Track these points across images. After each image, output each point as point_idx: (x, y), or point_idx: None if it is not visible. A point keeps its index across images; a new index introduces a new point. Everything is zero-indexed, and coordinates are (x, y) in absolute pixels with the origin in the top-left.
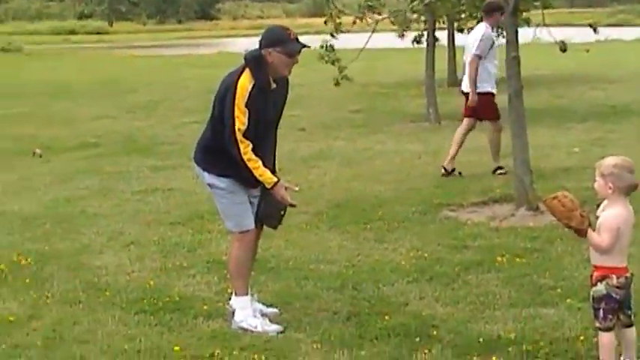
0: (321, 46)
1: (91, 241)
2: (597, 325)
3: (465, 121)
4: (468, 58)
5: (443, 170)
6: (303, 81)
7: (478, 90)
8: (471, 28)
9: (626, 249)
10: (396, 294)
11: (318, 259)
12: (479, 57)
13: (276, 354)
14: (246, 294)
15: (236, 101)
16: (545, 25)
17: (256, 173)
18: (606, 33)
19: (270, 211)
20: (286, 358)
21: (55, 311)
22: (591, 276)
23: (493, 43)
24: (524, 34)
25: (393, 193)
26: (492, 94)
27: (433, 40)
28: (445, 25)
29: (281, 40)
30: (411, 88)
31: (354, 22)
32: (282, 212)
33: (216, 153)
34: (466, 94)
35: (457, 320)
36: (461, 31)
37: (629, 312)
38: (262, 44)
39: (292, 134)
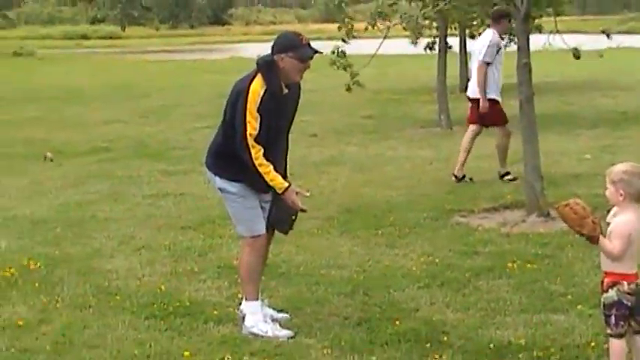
0: (333, 52)
1: (102, 246)
2: (608, 331)
3: (470, 127)
4: (475, 64)
5: (454, 178)
6: (314, 87)
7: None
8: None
9: (637, 255)
10: (406, 299)
11: (329, 264)
12: (487, 63)
13: (286, 359)
14: (257, 299)
15: (248, 106)
16: (557, 32)
17: (267, 178)
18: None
19: (281, 216)
20: None
21: (64, 315)
22: (602, 282)
23: (500, 49)
24: (535, 41)
25: (404, 199)
26: (497, 102)
27: (445, 47)
28: (457, 32)
29: (293, 46)
30: (423, 94)
31: (366, 29)
32: (294, 217)
33: (228, 158)
34: (472, 100)
35: (468, 326)
36: (473, 37)
37: None
38: (274, 50)
39: (304, 140)
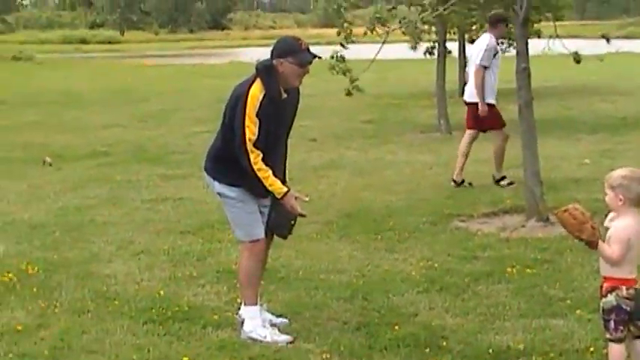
0: (332, 57)
1: (101, 250)
2: (608, 336)
3: (468, 132)
4: (472, 68)
5: (453, 183)
6: (314, 91)
7: (477, 101)
8: None
9: (636, 260)
10: (405, 304)
11: (328, 269)
12: (484, 67)
13: None
14: (256, 304)
15: (247, 111)
16: (557, 37)
17: (266, 183)
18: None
19: (280, 221)
20: None
21: (63, 320)
22: (601, 287)
23: (496, 53)
24: (534, 46)
25: (403, 204)
26: (493, 105)
27: (444, 51)
28: (456, 37)
29: (292, 51)
30: (422, 98)
31: (365, 34)
32: (293, 222)
33: (227, 162)
34: (468, 104)
35: (467, 331)
36: (472, 42)
37: None
38: (274, 54)
39: (303, 144)
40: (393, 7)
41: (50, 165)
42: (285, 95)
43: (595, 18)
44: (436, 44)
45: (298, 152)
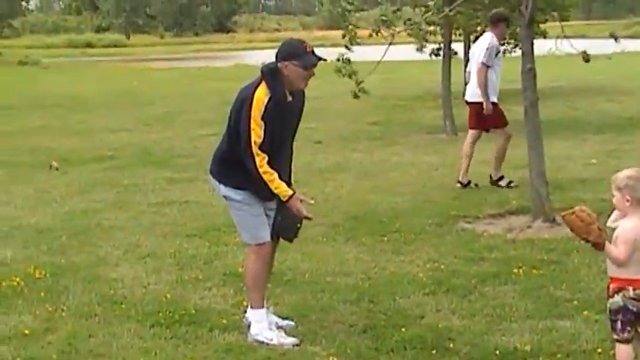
0: (338, 59)
1: (107, 254)
2: (615, 337)
3: (470, 132)
4: (474, 67)
5: (459, 184)
6: (319, 94)
7: (480, 100)
8: None
9: None
10: (412, 306)
11: (335, 271)
12: (486, 66)
13: None
14: (262, 307)
15: (252, 114)
16: (565, 37)
17: (272, 186)
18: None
19: (286, 224)
20: None
21: (70, 324)
22: (608, 288)
23: (498, 52)
24: (540, 46)
25: (409, 205)
26: (495, 104)
27: (449, 52)
28: (461, 38)
29: (297, 54)
30: (428, 100)
31: (370, 36)
32: (298, 225)
33: (232, 165)
34: (470, 104)
35: (473, 332)
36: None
37: None
38: (278, 57)
39: (309, 147)
40: (398, 9)
41: (57, 169)
42: (290, 98)
43: (601, 18)
44: (442, 45)
45: (304, 155)
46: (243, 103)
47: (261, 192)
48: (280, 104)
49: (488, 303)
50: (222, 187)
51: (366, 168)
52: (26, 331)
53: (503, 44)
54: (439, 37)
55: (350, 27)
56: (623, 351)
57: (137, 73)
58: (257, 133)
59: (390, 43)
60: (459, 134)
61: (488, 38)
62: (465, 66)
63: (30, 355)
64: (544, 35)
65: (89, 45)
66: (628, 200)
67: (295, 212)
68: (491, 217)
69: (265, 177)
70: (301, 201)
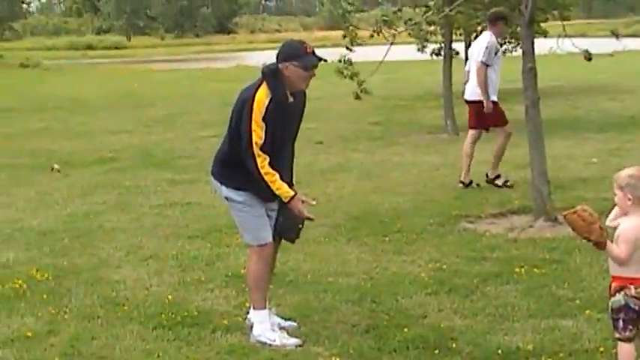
0: (340, 61)
1: (109, 256)
2: (617, 335)
3: (470, 132)
4: (473, 66)
5: (460, 184)
6: (320, 94)
7: (480, 98)
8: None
9: None
10: (414, 306)
11: (337, 271)
12: (486, 64)
13: None
14: (265, 308)
15: (253, 115)
16: (566, 36)
17: (273, 187)
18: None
19: (288, 225)
20: None
21: (73, 326)
22: (610, 286)
23: (497, 51)
24: (540, 45)
25: (411, 205)
26: (495, 103)
27: (450, 52)
28: (462, 37)
29: (297, 54)
30: (429, 99)
31: (371, 36)
32: (300, 226)
33: (233, 166)
34: (469, 103)
35: (476, 332)
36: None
37: None
38: (279, 58)
39: (310, 147)
40: (399, 9)
41: (58, 171)
42: (291, 99)
43: (601, 16)
44: (442, 45)
45: (305, 155)
46: (244, 104)
47: (263, 193)
48: (281, 105)
49: (490, 302)
50: (223, 188)
51: (368, 168)
52: (29, 334)
53: (504, 43)
54: (440, 37)
55: (351, 28)
56: (625, 350)
57: (138, 74)
58: (258, 134)
59: (392, 43)
60: (460, 134)
61: (487, 37)
62: (465, 65)
63: (33, 358)
64: (545, 34)
65: (90, 47)
66: (629, 199)
67: (297, 213)
68: (493, 217)
69: (267, 178)
70: (303, 202)
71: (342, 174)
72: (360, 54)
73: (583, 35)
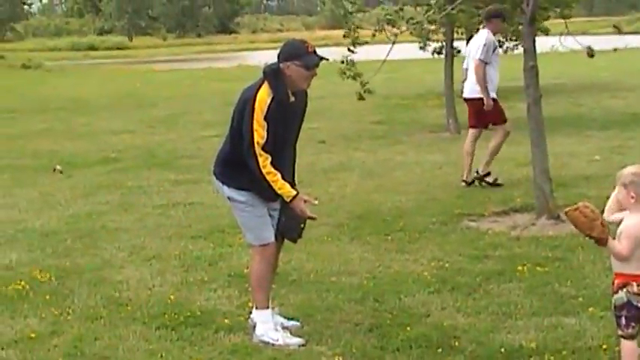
0: (342, 62)
1: (112, 256)
2: (620, 333)
3: (470, 131)
4: (471, 64)
5: (463, 183)
6: (322, 93)
7: (480, 96)
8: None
9: None
10: (417, 305)
11: (339, 271)
12: (484, 62)
13: None
14: (267, 307)
15: (255, 115)
16: (568, 33)
17: (275, 186)
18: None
19: (290, 224)
20: None
21: (76, 327)
22: (613, 284)
23: (495, 48)
24: (542, 43)
25: (413, 204)
26: (495, 100)
27: (451, 51)
28: (464, 36)
29: (299, 54)
30: (431, 98)
31: (374, 35)
32: (302, 225)
33: (236, 166)
34: (468, 101)
35: (479, 330)
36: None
37: None
38: (280, 58)
39: (312, 146)
40: (400, 9)
41: (61, 172)
42: (292, 98)
43: (603, 14)
44: (444, 44)
45: (307, 155)
46: (246, 103)
47: (265, 193)
48: (283, 105)
49: (493, 301)
50: (225, 188)
51: (370, 167)
52: (32, 335)
53: (505, 41)
54: (441, 36)
55: (352, 28)
56: (628, 347)
57: (140, 75)
58: (260, 133)
59: (394, 43)
60: (462, 132)
61: (484, 34)
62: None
63: (36, 359)
64: (546, 32)
65: (92, 47)
66: (633, 197)
67: (299, 212)
68: (496, 215)
69: (269, 177)
70: (305, 201)
71: (345, 173)
72: (361, 53)
73: (584, 33)
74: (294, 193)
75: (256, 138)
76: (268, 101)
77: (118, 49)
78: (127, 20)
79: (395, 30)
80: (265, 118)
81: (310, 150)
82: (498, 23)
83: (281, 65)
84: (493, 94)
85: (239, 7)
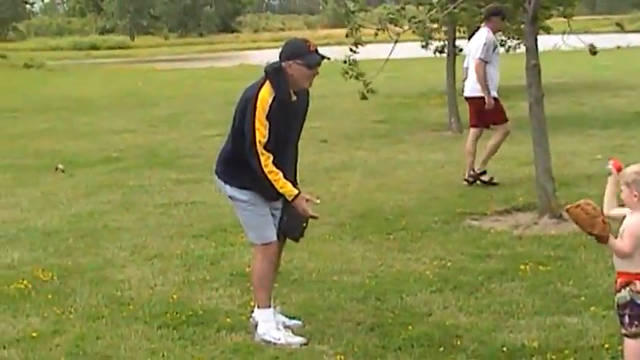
0: (344, 62)
1: (114, 255)
2: (623, 331)
3: (471, 130)
4: (471, 63)
5: (465, 182)
6: (324, 92)
7: (480, 94)
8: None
9: None
10: (419, 304)
11: (342, 270)
12: (484, 61)
13: None
14: (269, 306)
15: (256, 114)
16: (570, 32)
17: (277, 185)
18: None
19: (292, 224)
20: None
21: (78, 326)
22: (616, 282)
23: (495, 47)
24: (544, 42)
25: (415, 203)
26: (496, 99)
27: (453, 50)
28: (466, 35)
29: (301, 53)
30: (433, 97)
31: (376, 34)
32: (304, 224)
33: (237, 165)
34: (469, 99)
35: (481, 329)
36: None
37: None
38: (282, 57)
39: (314, 145)
40: (403, 7)
41: (62, 172)
42: (294, 97)
43: (606, 13)
44: (446, 43)
45: (309, 154)
46: (248, 102)
47: (267, 192)
48: (284, 104)
49: (495, 300)
50: (227, 187)
51: (372, 166)
52: (34, 334)
53: (506, 41)
54: (443, 35)
55: (354, 27)
56: (632, 346)
57: (142, 74)
58: (261, 132)
59: (396, 42)
60: (464, 131)
61: (484, 33)
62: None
63: (38, 358)
64: (548, 31)
65: (94, 47)
66: (636, 195)
67: (301, 212)
68: (498, 214)
69: (270, 176)
70: (307, 200)
71: (347, 172)
72: (363, 53)
73: (587, 31)
74: (296, 192)
75: (258, 137)
76: (270, 100)
77: (120, 48)
78: (128, 19)
79: (397, 29)
80: (267, 117)
81: (312, 149)
82: (498, 21)
83: (283, 64)
84: (494, 93)
85: (241, 6)
